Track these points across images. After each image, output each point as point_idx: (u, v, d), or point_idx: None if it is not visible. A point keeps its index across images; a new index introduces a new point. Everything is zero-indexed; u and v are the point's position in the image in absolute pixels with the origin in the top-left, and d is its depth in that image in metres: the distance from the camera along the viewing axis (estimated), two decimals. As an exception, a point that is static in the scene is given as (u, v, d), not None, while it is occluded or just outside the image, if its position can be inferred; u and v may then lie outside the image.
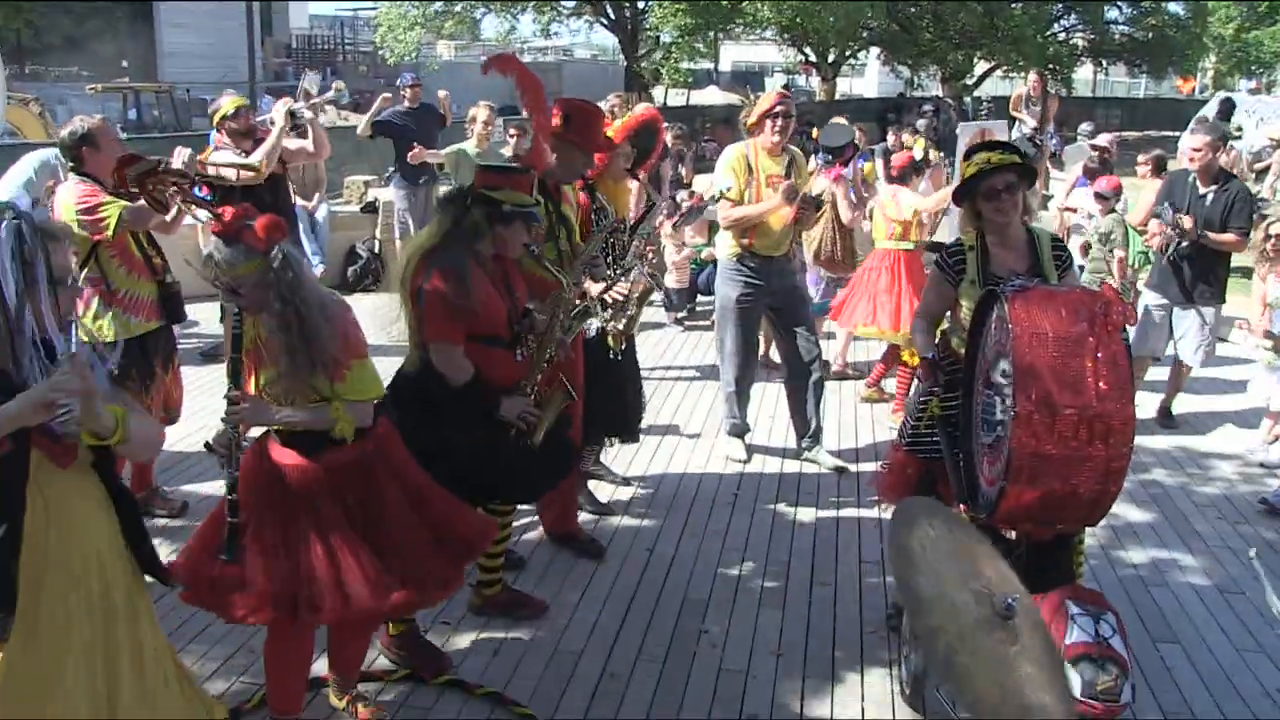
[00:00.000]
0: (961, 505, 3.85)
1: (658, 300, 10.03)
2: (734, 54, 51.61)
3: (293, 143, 6.69)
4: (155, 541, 3.01)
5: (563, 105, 4.76)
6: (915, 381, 5.38)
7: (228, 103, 6.69)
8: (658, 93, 28.85)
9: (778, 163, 6.03)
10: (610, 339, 5.25)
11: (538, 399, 4.15)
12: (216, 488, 5.11)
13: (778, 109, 5.93)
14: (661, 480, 6.10)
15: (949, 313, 4.19)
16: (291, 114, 6.40)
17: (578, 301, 4.61)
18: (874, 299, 7.25)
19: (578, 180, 5.02)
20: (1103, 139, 10.53)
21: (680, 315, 9.82)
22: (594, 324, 5.02)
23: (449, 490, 3.66)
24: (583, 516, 5.46)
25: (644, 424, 5.92)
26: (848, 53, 29.48)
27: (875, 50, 31.75)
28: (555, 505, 5.21)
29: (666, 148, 8.16)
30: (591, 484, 5.85)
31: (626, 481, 6.00)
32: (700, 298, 10.17)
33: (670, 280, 9.67)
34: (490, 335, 3.97)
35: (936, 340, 4.23)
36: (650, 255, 5.57)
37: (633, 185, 5.89)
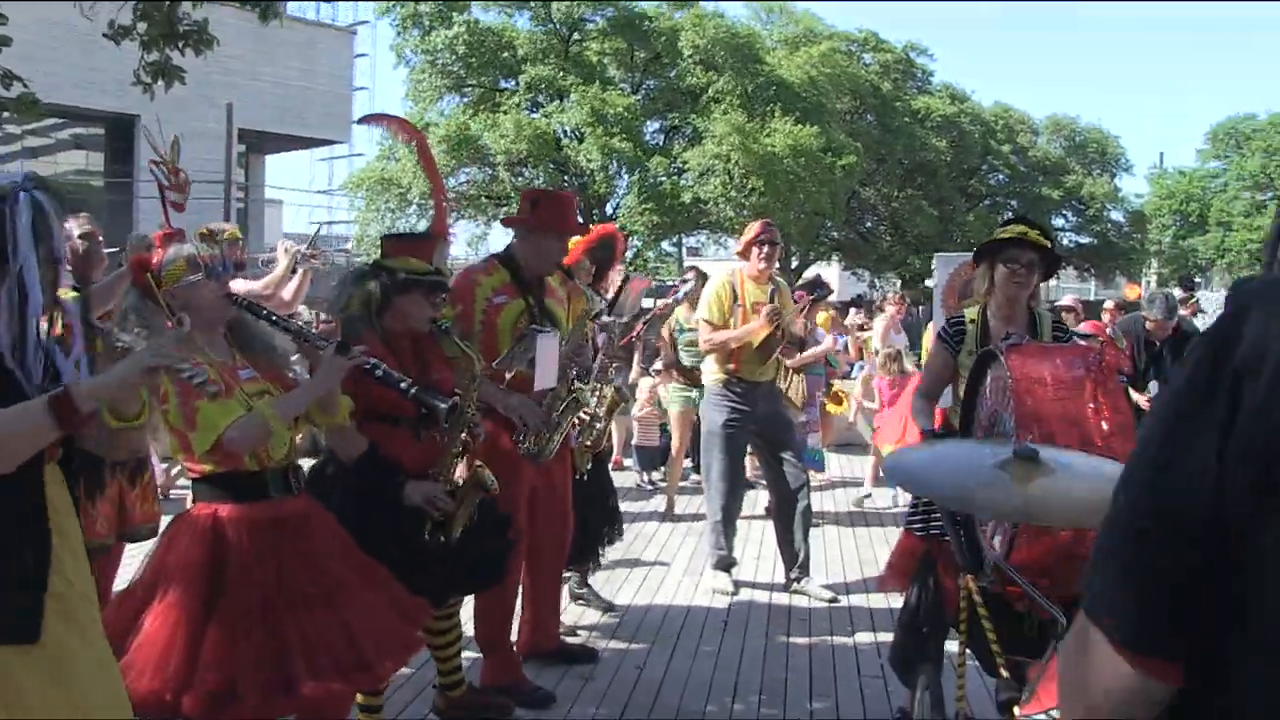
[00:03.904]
0: (968, 578, 3.75)
1: (630, 464, 9.96)
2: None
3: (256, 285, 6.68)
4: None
5: (529, 194, 4.82)
6: None
7: (229, 230, 6.75)
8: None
9: (763, 290, 6.14)
10: (576, 456, 5.08)
11: (453, 490, 3.86)
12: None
13: (763, 237, 6.08)
14: (648, 609, 5.92)
15: (950, 391, 4.19)
16: (295, 258, 6.38)
17: (564, 393, 4.58)
18: (904, 420, 7.57)
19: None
20: (1067, 299, 10.92)
21: (651, 477, 9.60)
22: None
23: None
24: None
25: (625, 560, 5.78)
26: (811, 255, 30.42)
27: (837, 254, 32.83)
28: (531, 624, 4.98)
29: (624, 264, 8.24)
30: (576, 608, 5.68)
31: (611, 607, 5.82)
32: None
33: (637, 437, 9.63)
34: (392, 414, 3.76)
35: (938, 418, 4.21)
36: (615, 368, 5.55)
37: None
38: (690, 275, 9.06)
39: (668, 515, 8.27)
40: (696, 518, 8.06)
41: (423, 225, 27.08)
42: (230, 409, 3.09)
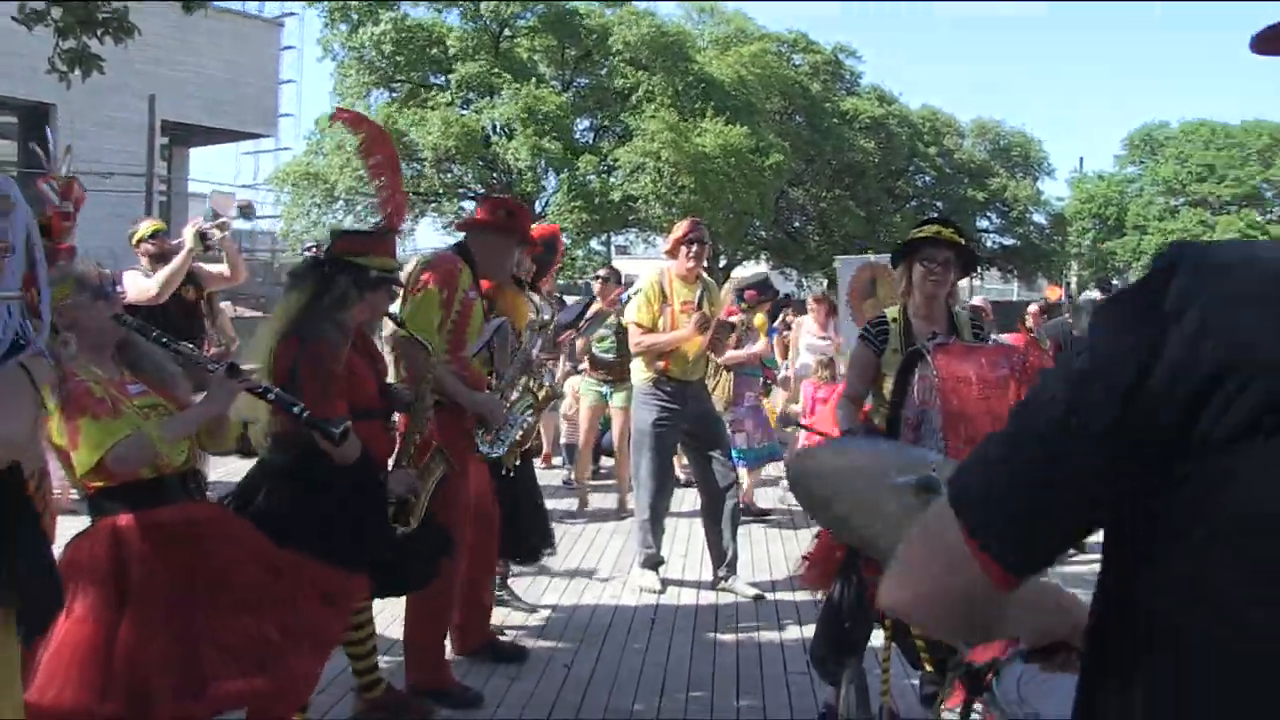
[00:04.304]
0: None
1: (559, 461, 9.94)
2: (626, 267, 53.10)
3: (212, 267, 6.67)
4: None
5: (501, 201, 4.82)
6: None
7: (146, 226, 6.63)
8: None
9: (691, 289, 6.15)
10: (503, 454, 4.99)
11: (418, 472, 4.04)
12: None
13: (691, 235, 6.09)
14: (575, 609, 5.91)
15: (874, 392, 4.22)
16: (201, 235, 6.34)
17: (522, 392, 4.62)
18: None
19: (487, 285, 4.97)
20: (976, 300, 11.15)
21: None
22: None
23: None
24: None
25: (551, 562, 5.78)
26: (739, 254, 30.60)
27: (765, 254, 33.06)
28: (465, 615, 4.93)
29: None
30: (499, 612, 5.64)
31: (534, 609, 5.80)
32: (602, 460, 10.07)
33: (565, 434, 9.60)
34: (363, 408, 3.80)
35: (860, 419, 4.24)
36: (549, 364, 5.56)
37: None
38: (604, 273, 9.06)
39: (580, 511, 8.28)
40: (622, 515, 8.06)
41: (349, 221, 26.78)
42: (115, 429, 3.03)
